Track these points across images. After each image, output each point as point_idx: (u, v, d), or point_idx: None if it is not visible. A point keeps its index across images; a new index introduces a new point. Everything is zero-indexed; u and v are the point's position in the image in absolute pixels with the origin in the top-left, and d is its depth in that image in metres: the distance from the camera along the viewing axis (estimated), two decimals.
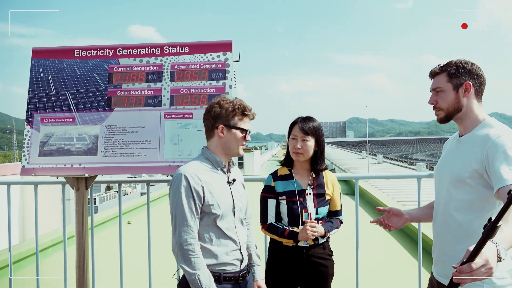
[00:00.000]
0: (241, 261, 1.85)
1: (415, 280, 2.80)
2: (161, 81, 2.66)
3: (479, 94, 1.68)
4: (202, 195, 1.73)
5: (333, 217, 2.25)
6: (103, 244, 5.43)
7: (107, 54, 2.74)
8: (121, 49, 2.73)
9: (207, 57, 2.66)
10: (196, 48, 2.67)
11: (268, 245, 2.30)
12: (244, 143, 1.86)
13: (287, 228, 2.12)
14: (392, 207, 1.96)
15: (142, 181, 3.05)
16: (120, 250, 2.89)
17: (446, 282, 1.65)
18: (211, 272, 1.72)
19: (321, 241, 2.17)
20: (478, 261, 1.09)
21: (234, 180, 1.89)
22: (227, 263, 1.79)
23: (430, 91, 1.75)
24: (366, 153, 35.40)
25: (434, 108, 1.73)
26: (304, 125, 2.15)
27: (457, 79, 1.65)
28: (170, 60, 2.67)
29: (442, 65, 1.71)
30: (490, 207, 1.55)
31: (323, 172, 2.24)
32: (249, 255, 2.00)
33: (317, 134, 2.17)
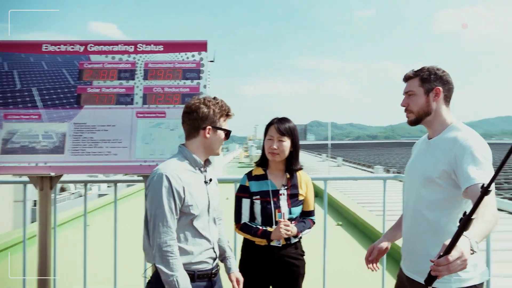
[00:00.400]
0: (214, 259, 1.88)
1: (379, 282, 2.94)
2: (133, 79, 2.61)
3: (447, 99, 1.77)
4: (183, 196, 1.72)
5: (305, 218, 2.29)
6: (60, 247, 5.23)
7: (78, 50, 2.65)
8: (93, 45, 2.66)
9: (181, 56, 2.64)
10: (171, 46, 2.65)
11: (241, 244, 2.32)
12: (223, 142, 1.88)
13: (260, 227, 2.15)
14: (377, 246, 1.97)
15: (109, 181, 2.97)
16: (84, 252, 2.81)
17: (416, 277, 1.73)
18: (185, 270, 1.73)
19: (294, 241, 2.21)
20: (454, 254, 1.14)
21: (210, 179, 1.90)
22: (202, 261, 1.81)
23: (403, 94, 1.84)
24: (327, 156, 36.18)
25: (406, 110, 1.81)
26: (280, 126, 2.18)
27: (429, 84, 1.75)
28: (144, 58, 2.64)
29: (415, 70, 1.80)
30: (458, 205, 1.65)
31: (298, 173, 2.28)
32: (223, 249, 2.04)
33: (292, 134, 2.21)
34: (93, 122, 2.56)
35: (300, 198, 2.24)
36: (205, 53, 2.65)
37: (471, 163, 1.55)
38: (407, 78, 1.82)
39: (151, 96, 2.60)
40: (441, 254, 1.16)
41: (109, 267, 2.87)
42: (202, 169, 1.87)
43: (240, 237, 2.34)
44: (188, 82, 2.61)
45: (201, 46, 2.66)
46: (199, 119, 1.81)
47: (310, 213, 2.30)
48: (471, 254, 1.20)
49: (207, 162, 1.91)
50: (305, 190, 2.28)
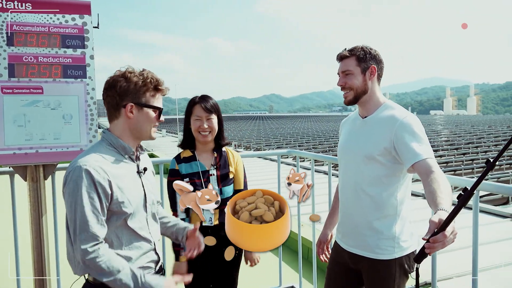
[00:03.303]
0: (157, 262, 1.62)
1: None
2: None
3: (380, 78, 1.83)
4: (109, 192, 1.41)
5: None
6: None
7: None
8: None
9: (58, 19, 2.15)
10: (43, 5, 2.12)
11: None
12: (157, 124, 1.57)
13: None
14: (323, 240, 2.09)
15: None
16: None
17: (359, 251, 1.80)
18: None
19: None
20: (449, 229, 1.15)
21: (145, 169, 1.61)
22: (142, 267, 1.52)
23: (338, 74, 1.83)
24: (167, 132, 35.75)
25: (343, 89, 1.81)
26: (206, 104, 2.10)
27: (365, 63, 1.77)
28: (5, 18, 2.05)
29: (349, 49, 1.80)
30: (396, 180, 1.74)
31: (226, 150, 2.21)
32: (177, 225, 1.80)
33: (218, 111, 2.15)
34: None
35: (231, 176, 2.16)
36: (89, 17, 2.21)
37: (414, 139, 1.62)
38: (342, 57, 1.81)
39: (20, 67, 2.06)
40: (436, 230, 1.16)
41: None
42: (132, 156, 1.56)
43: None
44: (70, 51, 2.15)
45: (83, 8, 2.20)
46: (117, 95, 1.48)
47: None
48: None
49: (139, 148, 1.60)
50: (234, 166, 2.20)
